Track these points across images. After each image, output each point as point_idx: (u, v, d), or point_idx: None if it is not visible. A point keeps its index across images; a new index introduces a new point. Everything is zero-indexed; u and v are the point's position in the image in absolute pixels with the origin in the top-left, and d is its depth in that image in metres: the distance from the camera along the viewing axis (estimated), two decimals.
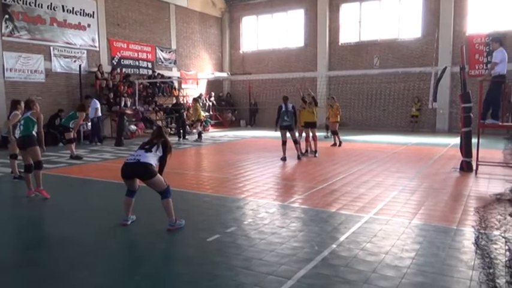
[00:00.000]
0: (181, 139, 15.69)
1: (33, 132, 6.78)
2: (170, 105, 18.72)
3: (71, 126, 11.35)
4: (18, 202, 6.76)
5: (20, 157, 7.52)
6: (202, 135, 16.09)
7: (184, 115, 17.19)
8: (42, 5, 14.95)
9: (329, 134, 16.51)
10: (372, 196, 6.60)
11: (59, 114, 14.47)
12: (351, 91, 20.18)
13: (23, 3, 14.38)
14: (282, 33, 22.96)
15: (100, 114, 14.98)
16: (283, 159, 10.37)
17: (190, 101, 18.87)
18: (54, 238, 4.93)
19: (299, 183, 7.98)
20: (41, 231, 5.40)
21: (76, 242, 4.64)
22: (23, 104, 7.38)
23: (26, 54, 14.57)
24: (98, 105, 14.90)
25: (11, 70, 14.14)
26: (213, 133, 19.27)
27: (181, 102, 18.40)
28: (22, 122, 6.86)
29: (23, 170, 7.14)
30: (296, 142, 10.67)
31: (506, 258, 3.88)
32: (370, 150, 12.38)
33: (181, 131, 16.10)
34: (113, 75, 17.25)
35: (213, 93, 22.94)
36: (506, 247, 4.16)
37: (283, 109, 10.43)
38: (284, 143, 10.56)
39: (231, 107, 23.70)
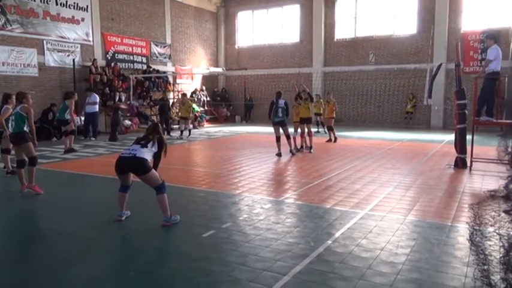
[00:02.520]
0: (168, 135, 15.47)
1: (25, 128, 6.69)
2: (157, 100, 18.06)
3: (67, 117, 11.21)
4: (11, 197, 6.69)
5: (13, 152, 7.43)
6: (184, 132, 15.07)
7: (170, 111, 16.72)
8: None
9: (320, 129, 16.65)
10: (367, 192, 6.60)
11: (51, 108, 14.36)
12: (346, 87, 20.18)
13: None
14: (277, 29, 22.89)
15: (97, 109, 14.77)
16: (279, 154, 10.39)
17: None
18: (47, 233, 4.90)
19: (294, 179, 7.97)
20: (35, 226, 5.34)
21: (70, 238, 4.60)
22: (14, 98, 7.27)
23: (18, 48, 14.41)
24: (97, 100, 14.76)
25: (3, 64, 13.99)
26: (208, 128, 19.22)
27: (167, 98, 17.76)
28: (13, 117, 6.75)
29: (15, 165, 7.06)
30: (288, 137, 10.67)
31: (501, 255, 3.89)
32: (365, 147, 12.40)
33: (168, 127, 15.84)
34: (108, 70, 17.11)
35: (204, 87, 22.73)
36: (501, 244, 4.17)
37: (276, 105, 10.44)
38: (278, 138, 10.60)
39: (226, 102, 23.63)
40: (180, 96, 17.31)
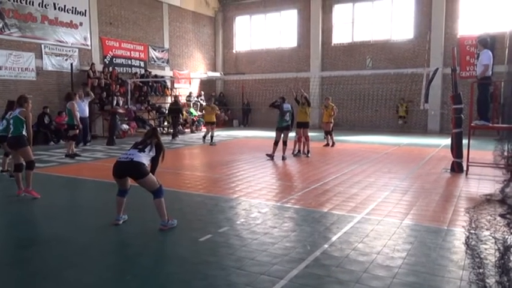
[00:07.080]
0: (175, 138, 15.69)
1: (23, 132, 6.72)
2: (168, 105, 18.48)
3: (75, 123, 10.92)
4: (8, 201, 6.66)
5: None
6: (207, 137, 14.79)
7: (182, 115, 17.31)
8: (33, 2, 14.81)
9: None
10: (364, 196, 6.63)
11: (44, 112, 14.16)
12: (344, 92, 20.24)
13: (13, 1, 14.24)
14: (275, 34, 23.00)
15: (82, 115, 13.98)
16: (271, 157, 10.57)
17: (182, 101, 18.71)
18: (44, 237, 4.89)
19: (292, 183, 7.99)
20: (31, 230, 5.33)
21: (67, 242, 4.60)
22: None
23: (16, 52, 14.43)
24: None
25: (1, 68, 14.00)
26: None
27: (179, 102, 18.23)
28: (11, 121, 6.78)
29: (11, 169, 7.06)
30: (285, 144, 10.72)
31: (496, 258, 3.92)
32: (362, 151, 12.44)
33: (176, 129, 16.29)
34: (105, 74, 17.12)
35: (202, 92, 22.78)
36: (496, 247, 4.21)
37: (282, 109, 10.51)
38: (276, 143, 10.67)
39: (224, 106, 23.65)
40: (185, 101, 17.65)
